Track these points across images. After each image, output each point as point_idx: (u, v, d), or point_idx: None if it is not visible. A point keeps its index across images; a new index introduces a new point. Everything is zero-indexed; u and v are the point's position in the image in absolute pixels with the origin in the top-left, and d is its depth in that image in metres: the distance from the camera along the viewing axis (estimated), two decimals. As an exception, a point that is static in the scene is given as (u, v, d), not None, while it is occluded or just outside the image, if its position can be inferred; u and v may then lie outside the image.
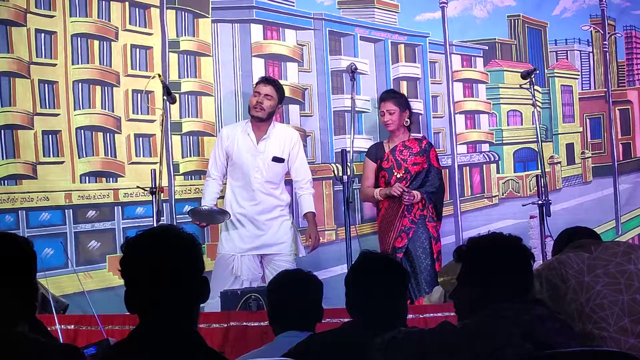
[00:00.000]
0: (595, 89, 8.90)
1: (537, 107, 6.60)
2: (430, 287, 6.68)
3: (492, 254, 3.29)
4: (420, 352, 3.11)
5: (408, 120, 7.11)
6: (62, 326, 5.18)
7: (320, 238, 6.95)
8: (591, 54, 8.89)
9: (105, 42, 7.22)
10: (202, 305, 2.82)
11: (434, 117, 8.30)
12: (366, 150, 7.40)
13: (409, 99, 7.48)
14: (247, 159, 6.70)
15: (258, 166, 6.68)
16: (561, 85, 8.79)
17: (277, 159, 6.70)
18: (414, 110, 7.50)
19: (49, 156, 6.97)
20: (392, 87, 7.95)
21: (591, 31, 8.87)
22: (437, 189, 7.03)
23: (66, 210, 6.99)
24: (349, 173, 6.24)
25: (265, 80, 6.81)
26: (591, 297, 3.64)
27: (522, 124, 8.59)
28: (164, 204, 6.58)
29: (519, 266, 3.29)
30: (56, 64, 7.02)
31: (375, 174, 7.17)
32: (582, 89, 8.88)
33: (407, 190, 6.83)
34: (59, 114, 7.01)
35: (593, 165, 8.77)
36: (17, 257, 2.89)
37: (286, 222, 6.81)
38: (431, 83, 8.25)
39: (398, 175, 7.00)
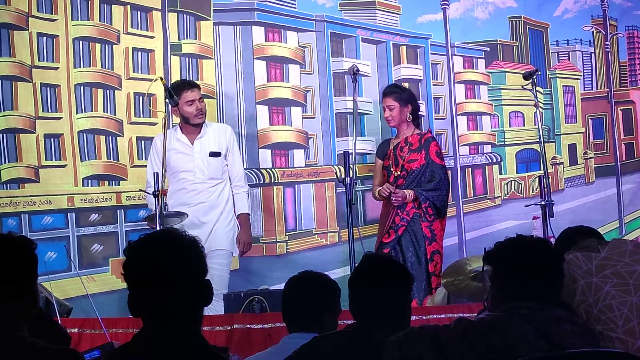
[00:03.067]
0: (597, 89, 8.90)
1: (539, 108, 6.59)
2: (421, 289, 6.53)
3: (518, 257, 3.34)
4: (436, 347, 3.12)
5: (410, 115, 6.81)
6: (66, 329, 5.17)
7: (251, 243, 6.66)
8: (593, 55, 8.89)
9: (107, 46, 7.22)
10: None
11: (436, 119, 8.30)
12: (368, 151, 7.41)
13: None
14: (183, 161, 6.48)
15: (197, 166, 6.47)
16: (563, 85, 8.79)
17: (214, 154, 6.49)
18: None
19: (52, 160, 6.97)
20: (394, 87, 7.96)
21: (593, 32, 8.87)
22: (436, 185, 6.68)
23: (69, 214, 7.00)
24: (351, 175, 6.21)
25: (190, 85, 6.54)
26: (600, 298, 3.63)
27: (524, 125, 8.59)
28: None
29: (547, 269, 3.32)
30: (58, 68, 7.03)
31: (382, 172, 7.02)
32: (584, 90, 8.88)
33: (395, 191, 6.58)
34: (61, 118, 7.02)
35: (596, 165, 8.77)
36: (14, 259, 2.88)
37: (231, 220, 6.58)
38: (433, 85, 8.25)
39: (396, 174, 6.76)
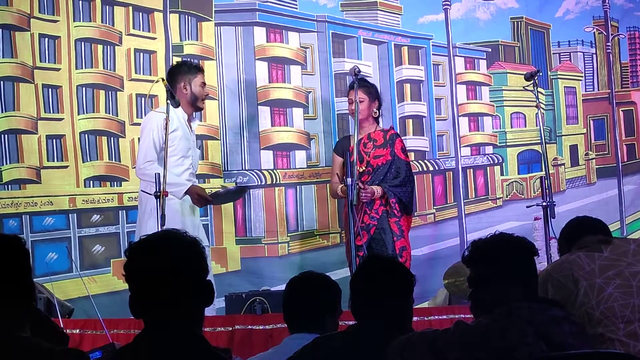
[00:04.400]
0: (598, 90, 8.91)
1: (541, 109, 6.59)
2: None
3: (495, 254, 3.31)
4: (436, 352, 3.13)
5: (377, 111, 6.68)
6: (68, 330, 5.18)
7: None
8: (594, 56, 8.90)
9: (109, 47, 7.23)
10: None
11: (437, 120, 8.30)
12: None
13: (413, 102, 7.46)
14: (186, 147, 6.19)
15: (195, 154, 6.33)
16: (564, 86, 8.79)
17: (199, 146, 6.43)
18: (418, 113, 7.45)
19: (53, 161, 6.97)
20: (395, 90, 7.95)
21: (594, 33, 8.87)
22: (402, 181, 6.54)
23: (70, 215, 7.00)
24: (352, 176, 6.17)
25: (201, 69, 6.35)
26: (602, 300, 3.61)
27: (525, 126, 8.59)
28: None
29: (523, 264, 3.31)
30: (60, 69, 7.03)
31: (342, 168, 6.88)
32: (586, 91, 8.88)
33: (364, 187, 6.42)
34: (62, 119, 7.02)
35: (597, 166, 8.77)
36: (6, 257, 2.88)
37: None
38: (435, 85, 8.25)
39: (360, 170, 6.54)
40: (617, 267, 3.71)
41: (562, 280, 3.73)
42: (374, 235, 6.50)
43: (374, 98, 6.65)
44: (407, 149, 6.84)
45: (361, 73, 6.82)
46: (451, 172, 8.21)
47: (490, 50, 8.53)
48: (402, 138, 7.67)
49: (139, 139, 6.26)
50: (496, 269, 3.30)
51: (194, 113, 6.30)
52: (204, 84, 6.26)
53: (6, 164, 6.81)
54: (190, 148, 6.22)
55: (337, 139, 7.79)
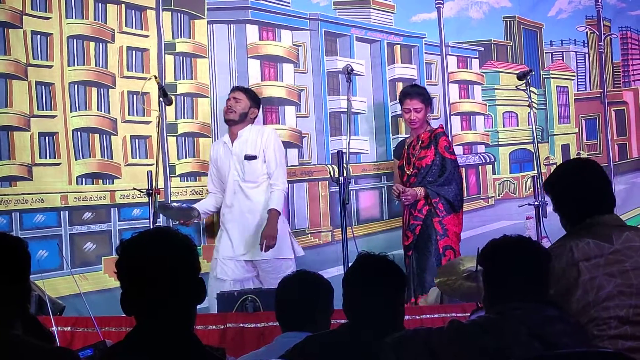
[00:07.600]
0: (590, 90, 8.92)
1: (533, 108, 6.60)
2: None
3: (510, 256, 3.33)
4: (429, 350, 3.14)
5: (430, 115, 6.95)
6: (59, 328, 5.18)
7: (274, 237, 6.50)
8: (587, 55, 8.91)
9: (101, 44, 7.21)
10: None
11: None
12: (362, 151, 7.41)
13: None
14: (224, 162, 6.81)
15: (235, 167, 6.73)
16: (557, 86, 8.80)
17: (250, 157, 6.70)
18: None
19: (45, 158, 6.95)
20: (387, 88, 7.95)
21: (587, 32, 8.89)
22: (445, 179, 6.67)
23: (62, 212, 6.98)
24: (345, 174, 6.20)
25: (235, 88, 6.96)
26: (599, 299, 3.56)
27: (517, 125, 8.60)
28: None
29: (535, 269, 3.31)
30: (52, 66, 7.01)
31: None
32: (578, 90, 8.89)
33: (403, 190, 6.63)
34: (55, 116, 7.00)
35: (589, 166, 8.77)
36: (6, 257, 2.88)
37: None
38: (427, 84, 8.24)
39: (408, 172, 6.82)
40: (622, 264, 3.62)
41: (565, 270, 3.63)
42: (419, 234, 6.68)
43: (428, 103, 6.85)
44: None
45: (354, 71, 6.89)
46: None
47: (482, 49, 8.53)
48: (395, 136, 7.73)
49: None
50: (496, 268, 3.32)
51: (238, 132, 6.79)
52: (228, 99, 6.83)
53: (-2, 161, 6.80)
54: (229, 161, 6.76)
55: (329, 137, 7.82)
